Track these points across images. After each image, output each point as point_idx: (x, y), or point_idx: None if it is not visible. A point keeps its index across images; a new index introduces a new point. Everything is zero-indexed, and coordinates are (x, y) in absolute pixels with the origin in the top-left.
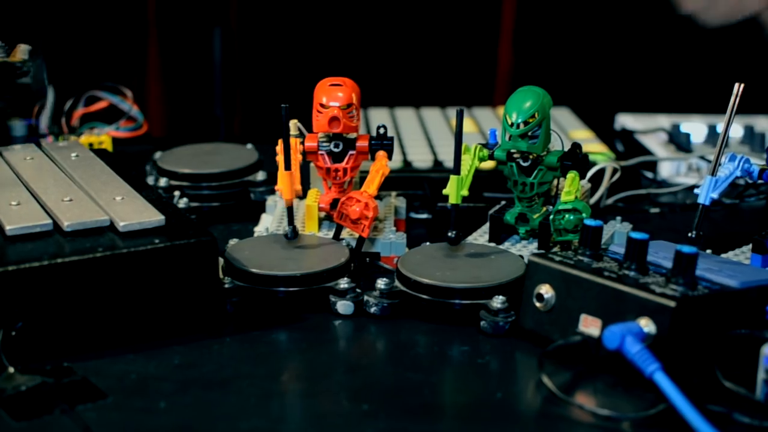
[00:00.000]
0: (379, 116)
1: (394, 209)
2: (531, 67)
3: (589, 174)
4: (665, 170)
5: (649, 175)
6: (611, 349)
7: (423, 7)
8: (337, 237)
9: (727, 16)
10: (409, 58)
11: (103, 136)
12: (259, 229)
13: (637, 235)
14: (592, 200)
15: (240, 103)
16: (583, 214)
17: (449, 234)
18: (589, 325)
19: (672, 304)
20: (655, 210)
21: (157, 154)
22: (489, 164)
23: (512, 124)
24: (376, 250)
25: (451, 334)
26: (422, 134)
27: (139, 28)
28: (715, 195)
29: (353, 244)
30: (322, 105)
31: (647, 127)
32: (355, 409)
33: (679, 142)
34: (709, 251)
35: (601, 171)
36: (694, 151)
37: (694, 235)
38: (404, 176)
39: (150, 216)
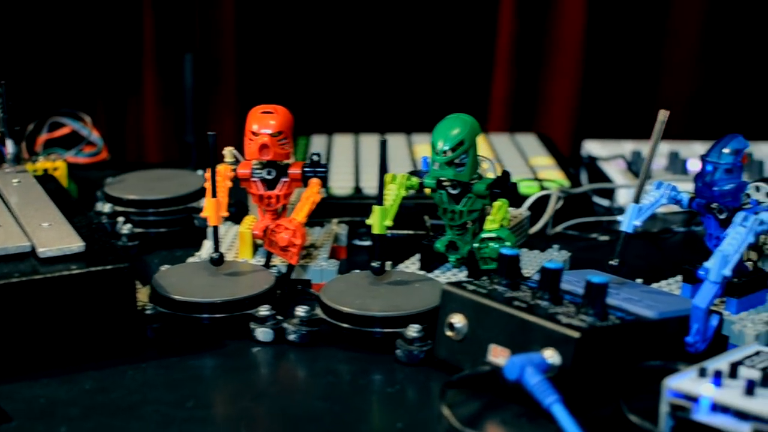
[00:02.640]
0: (341, 142)
1: (334, 236)
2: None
3: (530, 202)
4: (623, 197)
5: (605, 202)
6: (511, 380)
7: (419, 30)
8: (267, 264)
9: None
10: (400, 82)
11: (59, 162)
12: (201, 255)
13: (550, 265)
14: (535, 228)
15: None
16: (507, 243)
17: (373, 264)
18: (498, 355)
19: (576, 335)
20: (604, 237)
21: (108, 180)
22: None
23: (438, 152)
24: (308, 277)
25: (369, 362)
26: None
27: (133, 52)
28: (638, 222)
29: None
30: (253, 132)
31: (612, 153)
32: None
33: (637, 168)
34: (639, 280)
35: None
36: (652, 177)
37: (616, 263)
38: (354, 203)
39: (71, 242)
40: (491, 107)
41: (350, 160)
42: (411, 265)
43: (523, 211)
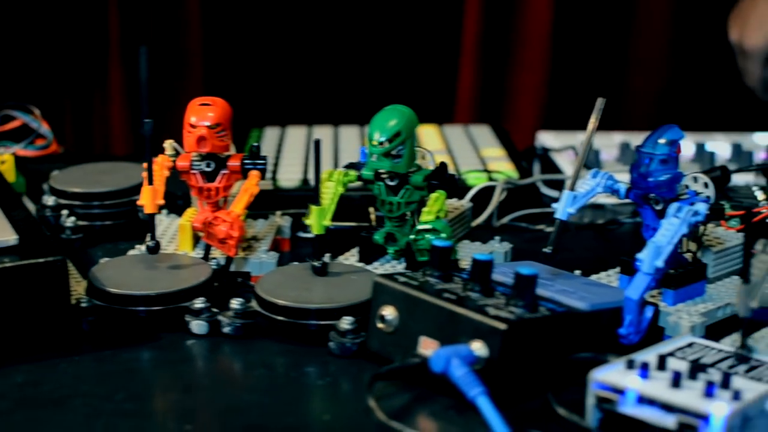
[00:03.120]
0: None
1: (277, 228)
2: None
3: (472, 193)
4: None
5: (555, 194)
6: (437, 372)
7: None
8: (206, 256)
9: None
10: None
11: (6, 155)
12: (142, 248)
13: (480, 257)
14: (479, 220)
15: None
16: (443, 234)
17: (314, 263)
18: (428, 348)
19: (503, 326)
20: (551, 229)
21: (54, 173)
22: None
23: (375, 143)
24: (247, 269)
25: (303, 354)
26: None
27: (99, 46)
28: (572, 210)
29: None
30: (191, 124)
31: (564, 144)
32: (178, 430)
33: (587, 159)
34: (578, 272)
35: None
36: (603, 167)
37: (550, 251)
38: (302, 195)
39: (4, 236)
40: (457, 100)
41: (301, 152)
42: (351, 257)
43: (465, 202)
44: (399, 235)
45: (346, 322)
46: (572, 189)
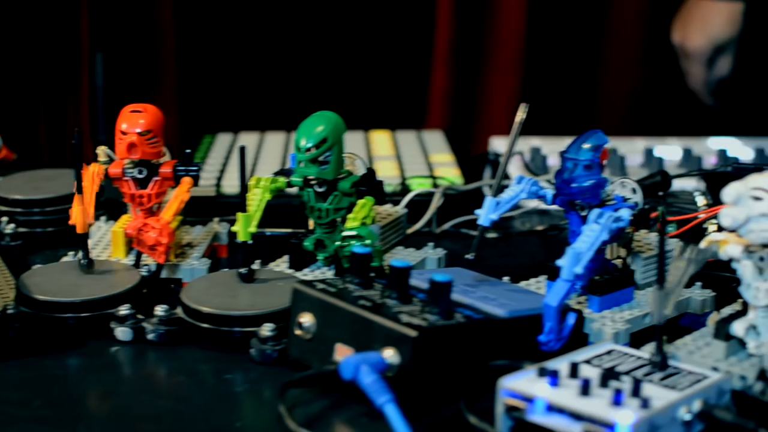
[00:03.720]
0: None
1: (213, 235)
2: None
3: (407, 199)
4: None
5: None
6: (347, 379)
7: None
8: (137, 263)
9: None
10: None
11: None
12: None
13: (398, 263)
14: (417, 226)
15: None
16: (367, 241)
17: (240, 271)
18: (343, 355)
19: (413, 334)
20: (492, 235)
21: None
22: None
23: (301, 149)
24: (179, 276)
25: (226, 362)
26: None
27: (71, 53)
28: (494, 216)
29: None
30: (122, 131)
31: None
32: None
33: (533, 165)
34: (506, 278)
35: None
36: (548, 173)
37: (472, 257)
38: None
39: None
40: (430, 104)
41: (249, 158)
42: (282, 264)
43: (399, 208)
44: (328, 241)
45: (266, 329)
46: (495, 195)
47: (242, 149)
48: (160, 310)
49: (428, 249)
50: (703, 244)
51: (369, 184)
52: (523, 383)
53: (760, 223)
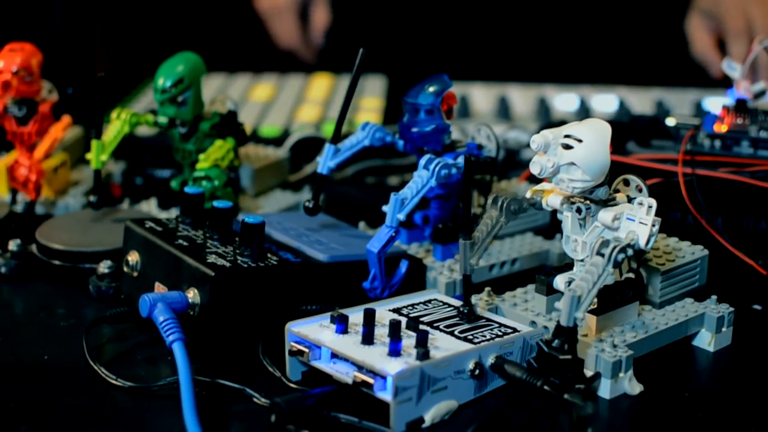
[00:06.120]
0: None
1: (108, 174)
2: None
3: (290, 143)
4: None
5: None
6: (144, 316)
7: None
8: (14, 199)
9: None
10: None
11: None
12: None
13: (219, 204)
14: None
15: None
16: (216, 182)
17: (90, 200)
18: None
19: (212, 273)
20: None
21: None
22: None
23: (158, 89)
24: (56, 213)
25: (72, 297)
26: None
27: None
28: (332, 164)
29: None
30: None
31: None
32: None
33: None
34: (362, 223)
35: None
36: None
37: (311, 205)
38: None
39: None
40: None
41: None
42: (151, 204)
43: (282, 152)
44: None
45: (103, 266)
46: (334, 142)
47: (100, 78)
48: (13, 245)
49: (304, 192)
50: (528, 194)
51: (228, 126)
52: (309, 329)
53: (569, 173)
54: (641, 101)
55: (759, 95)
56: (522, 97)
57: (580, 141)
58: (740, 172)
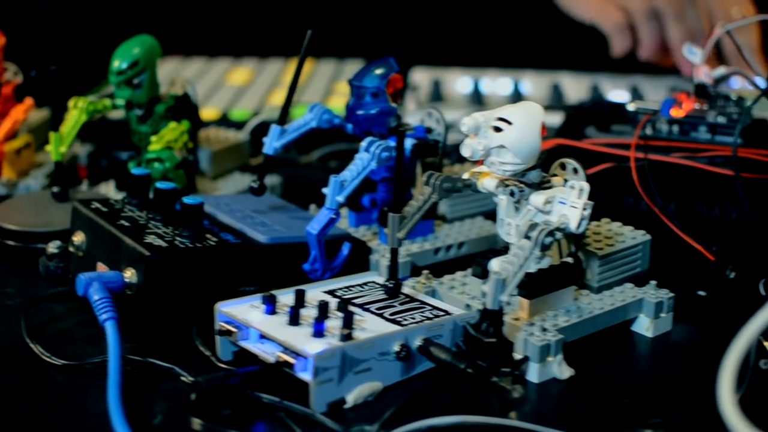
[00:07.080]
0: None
1: (73, 156)
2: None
3: (250, 126)
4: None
5: None
6: (80, 295)
7: None
8: None
9: None
10: None
11: None
12: None
13: (162, 185)
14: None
15: None
16: (167, 164)
17: (53, 190)
18: None
19: (147, 253)
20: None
21: None
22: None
23: (113, 71)
24: (17, 194)
25: (25, 277)
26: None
27: None
28: (277, 145)
29: None
30: None
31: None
32: None
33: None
34: (313, 206)
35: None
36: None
37: (257, 185)
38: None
39: None
40: None
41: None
42: (110, 187)
43: (241, 135)
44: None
45: (52, 246)
46: (281, 123)
47: (52, 69)
48: None
49: (270, 178)
50: (465, 175)
51: (182, 109)
52: (238, 309)
53: (500, 155)
54: (616, 87)
55: (720, 80)
56: (498, 84)
57: (510, 123)
58: (696, 158)
